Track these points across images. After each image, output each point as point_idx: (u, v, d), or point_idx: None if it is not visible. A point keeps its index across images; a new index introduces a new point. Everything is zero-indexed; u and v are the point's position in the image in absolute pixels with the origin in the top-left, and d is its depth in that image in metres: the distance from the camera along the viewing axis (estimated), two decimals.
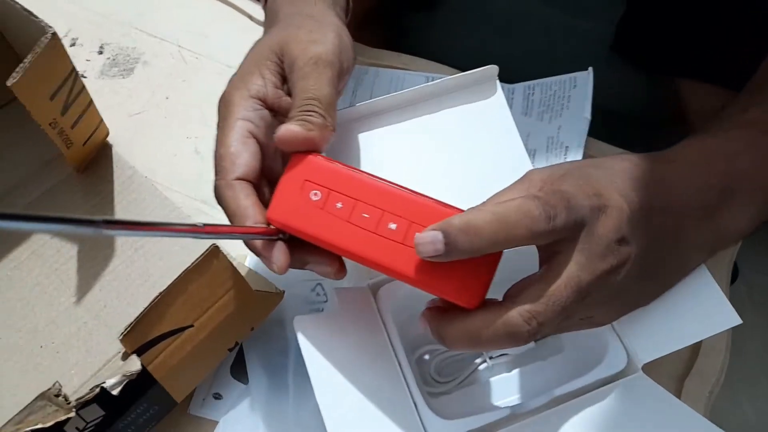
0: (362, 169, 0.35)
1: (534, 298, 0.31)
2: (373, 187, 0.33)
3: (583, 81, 0.52)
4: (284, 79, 0.38)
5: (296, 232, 0.34)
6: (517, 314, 0.30)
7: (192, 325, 0.38)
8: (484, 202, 0.34)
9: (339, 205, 0.33)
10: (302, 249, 0.35)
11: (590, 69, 0.52)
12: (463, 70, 0.44)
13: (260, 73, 0.38)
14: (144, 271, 0.47)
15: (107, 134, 0.52)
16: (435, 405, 0.42)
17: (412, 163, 0.44)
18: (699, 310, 0.37)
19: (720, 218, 0.37)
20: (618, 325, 0.39)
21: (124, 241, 0.48)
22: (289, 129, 0.34)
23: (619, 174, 0.35)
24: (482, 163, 0.44)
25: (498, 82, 0.45)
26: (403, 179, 0.43)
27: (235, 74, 0.38)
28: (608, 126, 0.53)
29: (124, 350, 0.36)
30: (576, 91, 0.53)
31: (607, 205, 0.32)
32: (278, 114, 0.38)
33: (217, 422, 0.43)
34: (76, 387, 0.43)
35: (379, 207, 0.33)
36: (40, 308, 0.46)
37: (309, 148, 0.35)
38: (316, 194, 0.34)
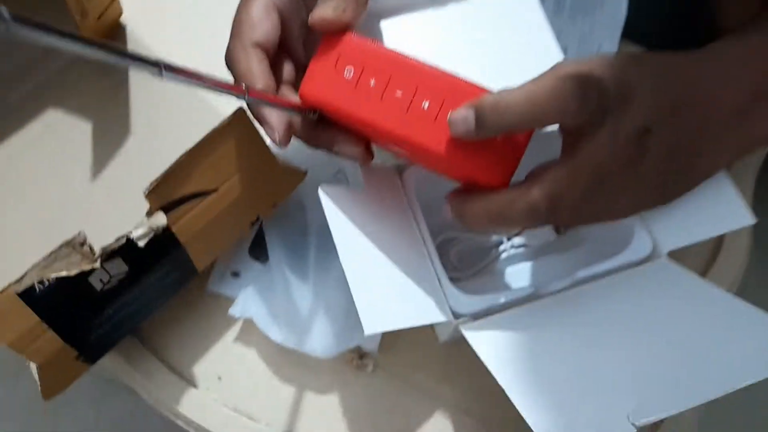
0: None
1: (556, 178, 0.31)
2: (406, 65, 0.33)
3: None
4: None
5: (328, 109, 0.34)
6: (538, 194, 0.31)
7: (216, 190, 0.37)
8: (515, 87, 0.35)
9: (372, 82, 0.33)
10: (332, 128, 0.35)
11: None
12: None
13: None
14: (161, 153, 0.46)
15: (120, 14, 0.50)
16: (460, 285, 0.42)
17: (437, 52, 0.43)
18: (717, 207, 0.38)
19: (751, 120, 0.36)
20: (644, 213, 0.39)
21: (138, 121, 0.47)
22: (321, 15, 0.33)
23: (651, 67, 0.34)
24: (512, 54, 0.43)
25: None
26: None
27: None
28: (639, 33, 0.52)
29: (149, 208, 0.35)
30: None
31: (635, 94, 0.32)
32: None
33: (234, 300, 0.42)
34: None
35: (412, 85, 0.33)
36: (54, 184, 0.45)
37: (342, 29, 0.34)
38: (349, 71, 0.33)
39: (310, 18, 0.33)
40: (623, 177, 0.33)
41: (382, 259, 0.36)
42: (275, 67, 0.36)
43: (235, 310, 0.41)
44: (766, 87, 0.36)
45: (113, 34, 0.50)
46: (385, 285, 0.35)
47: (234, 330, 0.42)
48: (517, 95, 0.30)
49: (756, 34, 0.38)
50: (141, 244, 0.33)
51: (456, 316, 0.37)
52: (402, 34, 0.43)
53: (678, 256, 0.38)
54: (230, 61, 0.34)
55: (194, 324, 0.42)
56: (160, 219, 0.34)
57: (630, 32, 0.50)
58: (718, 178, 0.39)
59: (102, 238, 0.34)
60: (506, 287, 0.42)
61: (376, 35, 0.43)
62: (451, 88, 0.32)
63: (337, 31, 0.34)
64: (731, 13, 0.53)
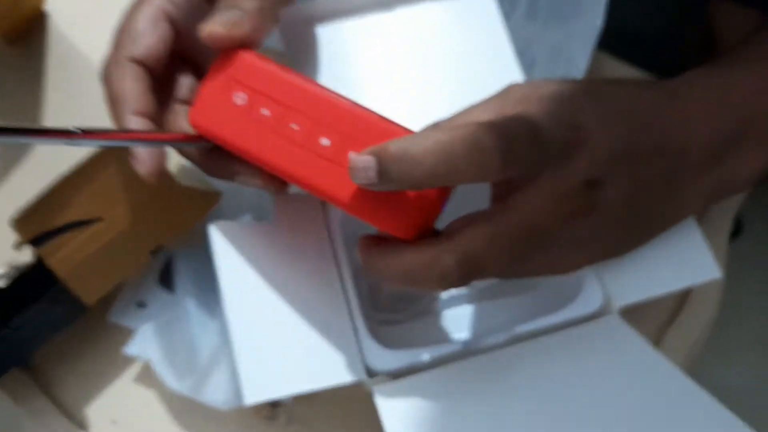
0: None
1: (474, 239, 0.26)
2: (307, 93, 0.28)
3: None
4: None
5: (217, 140, 0.29)
6: (450, 254, 0.26)
7: (101, 218, 0.32)
8: (439, 122, 0.30)
9: (266, 111, 0.28)
10: (231, 157, 0.30)
11: None
12: None
13: None
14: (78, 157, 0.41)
15: (41, 0, 0.45)
16: (384, 333, 0.37)
17: (380, 62, 0.38)
18: (680, 258, 0.33)
19: (726, 164, 0.32)
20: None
21: (52, 124, 0.43)
22: (209, 30, 0.28)
23: (611, 103, 0.29)
24: (464, 69, 0.38)
25: None
26: (368, 81, 0.37)
27: None
28: (623, 44, 0.46)
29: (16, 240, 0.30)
30: None
31: (585, 140, 0.27)
32: None
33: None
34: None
35: (311, 117, 0.27)
36: None
37: (239, 45, 0.29)
38: (241, 97, 0.28)
39: (198, 31, 0.28)
40: (565, 231, 0.28)
41: (281, 309, 0.31)
42: (167, 85, 0.31)
43: (131, 349, 0.36)
44: (744, 127, 0.31)
45: (34, 26, 0.45)
46: (280, 340, 0.30)
47: (134, 368, 0.38)
48: (428, 146, 0.25)
49: (739, 66, 0.32)
50: (2, 284, 0.29)
51: (371, 373, 0.33)
52: (340, 42, 0.38)
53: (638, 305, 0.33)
54: (104, 79, 0.30)
55: (92, 359, 0.38)
56: (25, 255, 0.30)
57: (609, 42, 0.44)
58: (683, 224, 0.33)
59: None
60: (439, 337, 0.37)
61: (310, 43, 0.38)
62: (358, 123, 0.27)
63: (231, 48, 0.29)
64: (727, 26, 0.47)
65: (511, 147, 0.25)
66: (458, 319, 0.38)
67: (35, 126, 0.22)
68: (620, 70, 0.45)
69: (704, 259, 0.33)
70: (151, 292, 0.39)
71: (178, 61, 0.32)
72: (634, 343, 0.32)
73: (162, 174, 0.29)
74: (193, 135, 0.29)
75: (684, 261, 0.33)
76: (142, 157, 0.28)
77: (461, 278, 0.26)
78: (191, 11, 0.31)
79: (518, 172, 0.26)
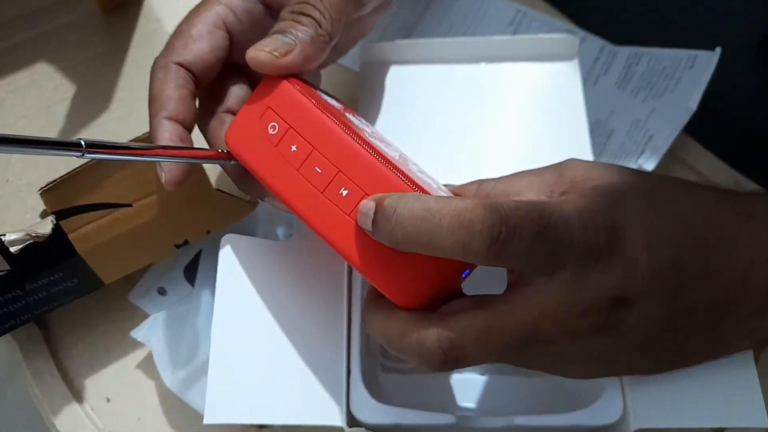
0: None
1: (467, 327, 0.24)
2: (338, 138, 0.26)
3: (704, 63, 0.41)
4: None
5: (245, 163, 0.29)
6: (435, 337, 0.24)
7: (130, 205, 0.33)
8: (484, 180, 0.29)
9: (294, 147, 0.27)
10: None
11: (718, 49, 0.41)
12: (577, 14, 0.37)
13: None
14: (134, 132, 0.42)
15: None
16: (384, 379, 0.35)
17: (456, 110, 0.38)
18: (724, 393, 0.29)
19: None
20: None
21: (121, 98, 0.44)
22: (253, 56, 0.28)
23: (669, 211, 0.25)
24: (533, 133, 0.36)
25: (578, 54, 0.38)
26: (435, 125, 0.37)
27: None
28: (718, 132, 0.42)
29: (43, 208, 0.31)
30: (691, 72, 0.42)
31: (617, 248, 0.24)
32: (274, 9, 0.31)
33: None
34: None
35: (335, 164, 0.26)
36: None
37: (287, 73, 0.28)
38: (273, 127, 0.28)
39: (246, 54, 0.28)
40: (575, 346, 0.25)
41: (273, 332, 0.30)
42: (218, 92, 0.31)
43: (137, 334, 0.37)
44: None
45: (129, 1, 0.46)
46: (262, 364, 0.29)
47: (140, 352, 0.38)
48: (416, 210, 0.23)
49: None
50: (13, 250, 0.30)
51: (353, 422, 0.31)
52: (417, 85, 0.38)
53: None
54: (150, 77, 0.30)
55: (103, 333, 0.39)
56: (45, 226, 0.30)
57: (699, 129, 0.41)
58: (738, 356, 0.29)
59: None
60: (435, 400, 0.35)
61: (387, 81, 0.38)
62: (381, 181, 0.25)
63: (276, 75, 0.28)
64: None
65: (507, 236, 0.22)
66: (464, 384, 0.36)
67: (43, 138, 0.22)
68: (704, 159, 0.41)
69: (753, 402, 0.29)
70: (174, 281, 0.39)
71: (235, 70, 0.32)
72: None
73: (182, 184, 0.28)
74: (225, 153, 0.29)
75: (728, 398, 0.29)
76: (166, 165, 0.28)
77: (443, 363, 0.24)
78: (253, 23, 0.31)
79: (518, 265, 0.23)
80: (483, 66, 0.38)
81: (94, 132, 0.43)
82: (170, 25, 0.45)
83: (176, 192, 0.33)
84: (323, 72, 0.36)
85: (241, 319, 0.29)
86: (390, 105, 0.38)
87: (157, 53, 0.47)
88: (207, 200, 0.34)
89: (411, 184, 0.25)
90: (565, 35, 0.37)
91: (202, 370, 0.35)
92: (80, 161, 0.31)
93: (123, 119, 0.43)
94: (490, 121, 0.37)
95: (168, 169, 0.28)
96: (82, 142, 0.22)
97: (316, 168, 0.26)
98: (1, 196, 0.36)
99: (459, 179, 0.30)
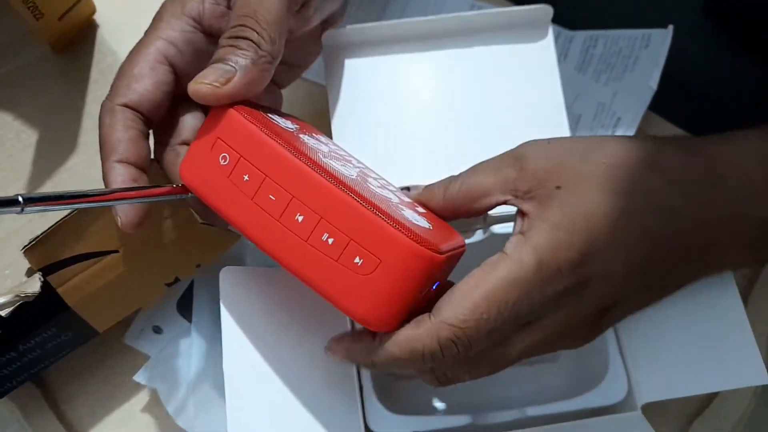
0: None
1: (454, 313, 0.25)
2: (289, 164, 0.26)
3: (659, 41, 0.42)
4: None
5: (199, 196, 0.28)
6: (434, 331, 0.26)
7: (117, 251, 0.32)
8: (452, 178, 0.29)
9: (246, 177, 0.26)
10: None
11: (670, 27, 0.42)
12: (529, 3, 0.36)
13: None
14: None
15: (93, 12, 0.45)
16: (398, 388, 0.36)
17: (431, 98, 0.37)
18: (725, 359, 0.31)
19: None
20: (627, 350, 0.32)
21: (87, 140, 0.43)
22: (195, 89, 0.27)
23: (634, 202, 0.26)
24: (511, 113, 0.37)
25: (551, 26, 0.37)
26: (418, 113, 0.36)
27: None
28: (678, 104, 0.43)
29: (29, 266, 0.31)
30: (647, 52, 0.43)
31: (590, 277, 0.25)
32: (215, 36, 0.31)
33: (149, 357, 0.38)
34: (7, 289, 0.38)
35: (289, 191, 0.26)
36: None
37: (232, 101, 0.27)
38: (225, 158, 0.27)
39: (188, 89, 0.27)
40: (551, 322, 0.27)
41: (283, 359, 0.30)
42: (169, 125, 0.30)
43: (140, 377, 0.36)
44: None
45: (82, 35, 0.45)
46: (277, 390, 0.29)
47: (143, 394, 0.38)
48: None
49: None
50: (3, 314, 0.29)
51: None
52: (391, 70, 0.37)
53: None
54: (99, 122, 0.29)
55: (103, 380, 0.38)
56: (32, 285, 0.30)
57: (662, 106, 0.42)
58: (734, 323, 0.31)
59: None
60: (448, 405, 0.36)
61: (352, 72, 0.37)
62: (334, 204, 0.25)
63: (221, 105, 0.27)
64: None
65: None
66: (471, 385, 0.37)
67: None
68: (671, 132, 0.43)
69: (752, 362, 0.31)
70: (168, 318, 0.39)
71: (186, 100, 0.30)
72: None
73: (140, 225, 0.27)
74: (180, 187, 0.28)
75: (728, 362, 0.31)
76: (121, 208, 0.27)
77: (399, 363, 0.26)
78: (195, 53, 0.30)
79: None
80: (454, 44, 0.37)
81: (62, 177, 0.42)
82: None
83: (163, 231, 0.33)
84: (287, 88, 0.36)
85: (250, 351, 0.29)
86: (358, 92, 0.37)
87: None
88: (194, 235, 0.34)
89: (367, 204, 0.25)
90: (537, 6, 0.36)
91: (210, 403, 0.35)
92: (61, 213, 0.31)
93: (91, 162, 0.42)
94: (464, 102, 0.37)
95: (123, 212, 0.27)
96: (20, 198, 0.22)
97: (270, 196, 0.26)
98: None
99: (437, 165, 0.31)
